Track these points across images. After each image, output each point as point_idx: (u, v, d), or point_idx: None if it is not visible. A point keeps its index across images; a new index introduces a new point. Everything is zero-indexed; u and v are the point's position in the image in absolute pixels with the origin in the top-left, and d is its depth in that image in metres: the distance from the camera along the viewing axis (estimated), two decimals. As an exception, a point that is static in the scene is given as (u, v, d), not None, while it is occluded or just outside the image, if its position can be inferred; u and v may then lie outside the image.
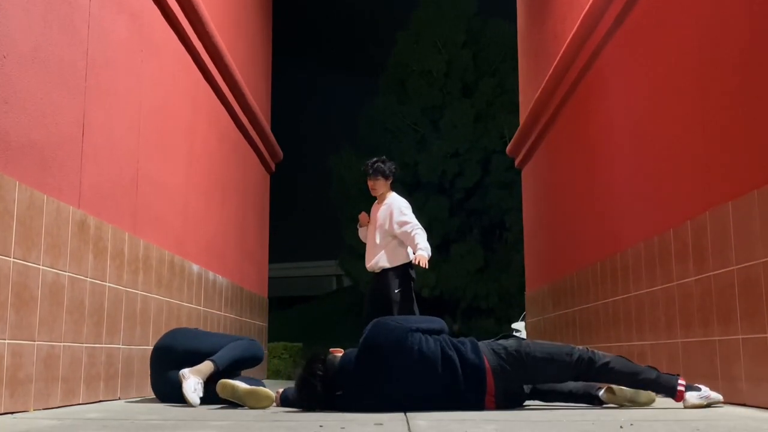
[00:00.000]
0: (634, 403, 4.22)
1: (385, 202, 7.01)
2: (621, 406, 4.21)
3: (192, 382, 4.47)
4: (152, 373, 5.07)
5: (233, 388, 4.40)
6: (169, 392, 4.83)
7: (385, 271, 6.86)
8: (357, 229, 7.34)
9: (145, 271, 5.70)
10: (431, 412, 3.82)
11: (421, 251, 6.59)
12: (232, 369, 4.78)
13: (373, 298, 7.00)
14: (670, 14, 5.52)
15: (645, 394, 4.23)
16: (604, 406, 4.25)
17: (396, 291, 6.76)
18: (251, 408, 4.32)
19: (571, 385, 4.37)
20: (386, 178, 7.00)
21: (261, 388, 4.43)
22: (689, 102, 5.13)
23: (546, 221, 9.69)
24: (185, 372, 4.54)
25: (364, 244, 7.12)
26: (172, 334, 5.25)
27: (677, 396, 4.03)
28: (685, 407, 4.01)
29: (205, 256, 7.61)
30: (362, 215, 7.25)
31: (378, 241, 6.88)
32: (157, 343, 5.18)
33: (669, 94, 5.48)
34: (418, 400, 4.02)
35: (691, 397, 4.02)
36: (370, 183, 7.09)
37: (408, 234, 6.71)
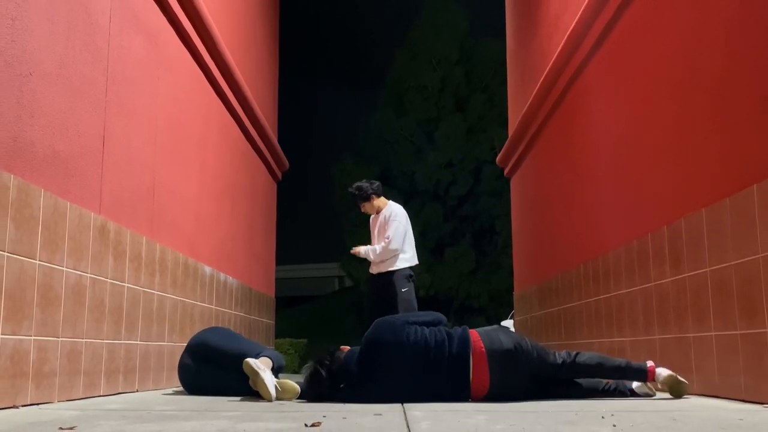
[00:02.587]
0: (673, 393, 4.20)
1: (381, 213, 7.11)
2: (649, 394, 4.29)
3: (269, 375, 4.45)
4: (187, 366, 5.02)
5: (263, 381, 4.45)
6: (202, 385, 4.89)
7: (389, 273, 6.88)
8: (353, 243, 7.54)
9: (161, 272, 5.71)
10: (427, 403, 3.82)
11: (364, 248, 6.96)
12: (275, 371, 4.81)
13: (377, 299, 6.98)
14: (648, 33, 5.54)
15: (685, 387, 4.21)
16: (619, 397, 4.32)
17: (403, 290, 6.80)
18: (278, 399, 4.35)
19: (603, 382, 4.41)
20: (369, 199, 7.09)
21: (287, 381, 4.47)
22: (666, 116, 5.14)
23: (533, 226, 9.69)
24: (257, 363, 4.47)
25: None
26: (214, 331, 5.29)
27: (649, 374, 4.09)
28: (660, 382, 4.07)
29: (217, 258, 7.62)
30: (354, 251, 7.28)
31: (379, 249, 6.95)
32: (196, 337, 5.19)
33: (648, 109, 5.49)
34: (414, 389, 4.04)
35: (662, 371, 4.10)
36: (362, 209, 7.22)
37: (382, 247, 6.86)
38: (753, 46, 3.95)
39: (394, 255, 6.86)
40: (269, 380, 4.38)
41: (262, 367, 4.45)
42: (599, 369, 4.20)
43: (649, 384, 4.35)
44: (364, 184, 7.12)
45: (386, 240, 6.86)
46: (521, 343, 4.10)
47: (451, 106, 24.94)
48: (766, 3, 3.82)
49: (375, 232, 7.17)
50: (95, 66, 4.64)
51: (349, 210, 22.90)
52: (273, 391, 4.33)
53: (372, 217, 7.26)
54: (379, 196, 7.14)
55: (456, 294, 23.87)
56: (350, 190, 7.22)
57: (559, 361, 4.19)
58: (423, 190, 23.77)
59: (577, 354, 4.23)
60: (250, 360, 4.46)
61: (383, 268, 6.92)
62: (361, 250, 6.99)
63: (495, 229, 24.13)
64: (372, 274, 7.10)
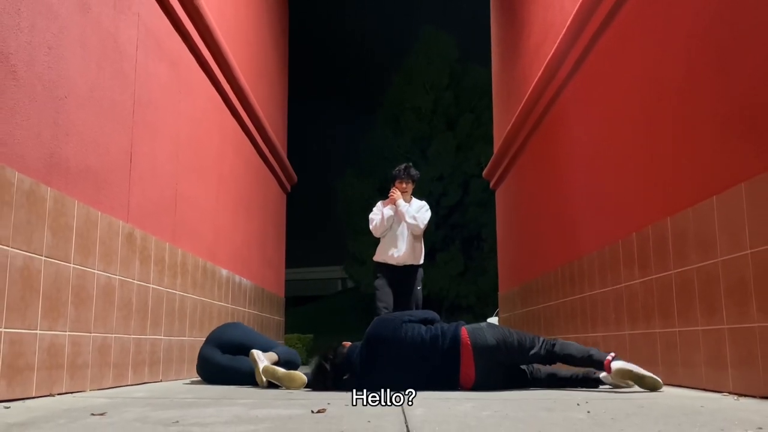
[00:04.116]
0: (640, 385, 3.93)
1: (413, 201, 6.76)
2: (623, 387, 4.01)
3: (264, 365, 4.54)
4: (204, 358, 5.04)
5: (274, 372, 4.48)
6: (219, 376, 4.93)
7: (414, 267, 6.54)
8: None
9: (182, 275, 5.71)
10: (421, 391, 3.82)
11: (405, 206, 6.49)
12: (283, 364, 4.82)
13: (400, 290, 6.47)
14: (617, 61, 5.55)
15: (650, 380, 3.94)
16: (601, 387, 4.17)
17: (419, 288, 6.52)
18: (287, 388, 4.36)
19: (572, 370, 4.36)
20: (414, 182, 6.76)
21: (295, 372, 4.50)
22: (634, 135, 5.15)
23: (516, 234, 9.70)
24: (260, 354, 4.61)
25: (374, 241, 6.70)
26: (234, 327, 5.31)
27: (605, 365, 3.99)
28: (613, 372, 3.96)
29: (233, 262, 7.62)
30: (395, 192, 6.70)
31: (410, 238, 6.52)
32: (215, 332, 5.20)
33: (619, 127, 5.50)
34: (410, 380, 4.04)
35: (617, 363, 3.96)
36: (403, 185, 6.69)
37: (415, 218, 6.46)
38: (709, 72, 3.97)
39: (419, 233, 6.50)
40: (260, 370, 4.50)
41: (262, 358, 4.57)
42: (571, 358, 4.19)
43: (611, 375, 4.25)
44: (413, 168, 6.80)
45: (418, 219, 6.48)
46: (506, 340, 4.11)
47: (442, 126, 24.99)
48: (718, 35, 3.84)
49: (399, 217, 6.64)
50: (123, 90, 4.65)
51: (350, 218, 22.92)
52: (264, 379, 4.48)
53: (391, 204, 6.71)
54: None
55: (446, 294, 23.88)
56: (408, 165, 6.79)
57: (543, 352, 4.18)
58: (417, 201, 23.82)
59: (554, 344, 4.22)
60: (255, 351, 4.61)
61: (409, 261, 6.48)
62: (402, 204, 6.52)
63: (482, 236, 24.17)
64: (391, 265, 6.51)
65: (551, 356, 4.20)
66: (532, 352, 4.18)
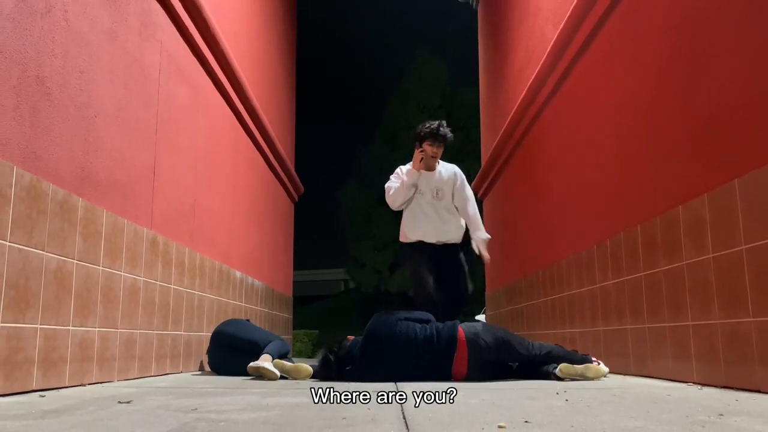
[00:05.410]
0: (584, 378, 4.01)
1: (439, 170, 5.16)
2: (573, 379, 4.02)
3: (268, 363, 4.50)
4: (212, 350, 5.15)
5: (282, 365, 4.48)
6: (221, 366, 5.02)
7: (455, 245, 5.11)
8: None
9: (200, 276, 5.71)
10: (415, 382, 3.83)
11: (484, 237, 4.89)
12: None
13: (451, 272, 5.06)
14: (593, 84, 5.58)
15: (593, 369, 4.04)
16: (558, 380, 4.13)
17: (466, 265, 5.16)
18: (294, 379, 4.36)
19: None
20: (447, 147, 5.12)
21: (302, 364, 4.51)
22: (608, 150, 5.17)
23: (501, 239, 9.70)
24: (257, 363, 4.51)
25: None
26: (230, 323, 5.32)
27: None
28: (560, 370, 4.03)
29: (246, 265, 7.62)
30: (418, 158, 4.98)
31: (449, 212, 5.02)
32: (217, 328, 5.25)
33: (594, 144, 5.52)
34: (405, 372, 4.06)
35: (564, 364, 4.05)
36: (434, 149, 4.99)
37: (476, 215, 4.96)
38: (675, 93, 3.99)
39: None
40: (269, 366, 4.45)
41: (260, 363, 4.51)
42: (552, 357, 4.20)
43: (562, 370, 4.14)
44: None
45: (468, 202, 5.00)
46: (501, 341, 4.10)
47: (435, 142, 24.99)
48: (683, 60, 3.87)
49: (431, 187, 5.06)
50: (147, 109, 4.66)
51: (351, 225, 22.89)
52: (276, 371, 4.41)
53: (422, 174, 5.10)
54: None
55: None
56: (442, 123, 5.02)
57: (533, 353, 4.17)
58: (412, 210, 23.79)
59: (540, 346, 4.22)
60: (251, 365, 4.50)
61: (452, 238, 5.00)
62: (485, 254, 5.06)
63: (470, 241, 24.12)
64: (425, 242, 4.93)
65: (540, 358, 4.19)
66: (525, 353, 4.16)
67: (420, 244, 4.90)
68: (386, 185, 5.05)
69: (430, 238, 4.84)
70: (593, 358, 4.25)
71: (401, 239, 5.04)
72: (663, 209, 4.12)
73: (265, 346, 4.83)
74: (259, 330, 5.32)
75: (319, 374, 4.33)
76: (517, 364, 4.34)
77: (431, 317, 4.43)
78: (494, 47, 10.23)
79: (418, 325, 4.20)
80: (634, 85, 4.66)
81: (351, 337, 4.37)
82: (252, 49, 8.22)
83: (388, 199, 5.02)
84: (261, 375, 4.45)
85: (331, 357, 4.20)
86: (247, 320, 5.58)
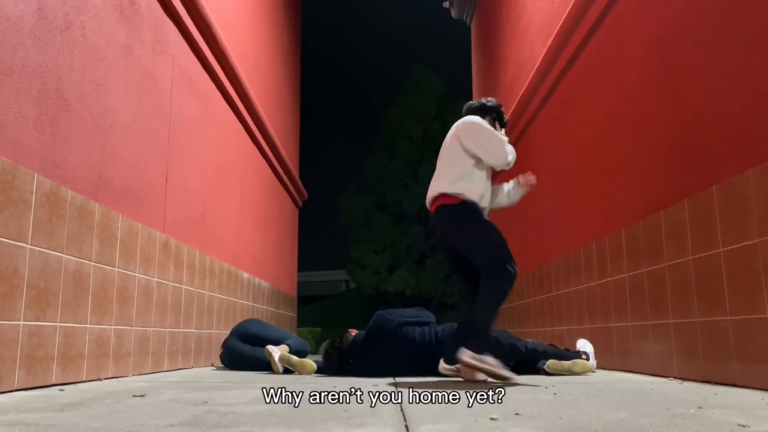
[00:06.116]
0: (571, 372, 4.01)
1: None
2: (561, 374, 4.01)
3: (278, 356, 4.56)
4: (229, 348, 5.04)
5: (289, 359, 4.50)
6: (238, 362, 4.96)
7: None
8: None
9: (210, 277, 5.71)
10: (412, 377, 3.83)
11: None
12: (294, 353, 4.83)
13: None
14: (580, 96, 5.59)
15: (580, 365, 4.03)
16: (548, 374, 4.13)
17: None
18: (299, 373, 4.37)
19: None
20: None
21: (306, 360, 4.51)
22: (594, 159, 5.18)
23: (494, 242, 9.71)
24: (273, 348, 4.62)
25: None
26: (254, 322, 5.30)
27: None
28: (547, 366, 4.05)
29: (253, 266, 7.62)
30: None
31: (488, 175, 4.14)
32: (240, 325, 5.20)
33: (581, 153, 5.53)
34: (402, 369, 4.05)
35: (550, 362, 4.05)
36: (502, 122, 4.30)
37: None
38: (658, 104, 4.00)
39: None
40: (276, 358, 4.51)
41: (275, 350, 4.58)
42: (544, 354, 4.19)
43: (553, 366, 4.14)
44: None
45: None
46: (497, 345, 4.08)
47: (431, 151, 24.94)
48: (667, 73, 3.88)
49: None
50: (160, 120, 4.67)
51: (352, 229, 22.90)
52: (280, 367, 4.49)
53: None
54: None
55: (434, 293, 23.81)
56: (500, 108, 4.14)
57: (525, 351, 4.15)
58: (410, 215, 23.74)
59: (533, 343, 4.21)
60: (269, 347, 4.61)
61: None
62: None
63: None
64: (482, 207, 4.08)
65: (532, 354, 4.18)
66: (519, 351, 4.15)
67: (481, 210, 4.09)
68: (496, 136, 3.93)
69: (485, 204, 4.08)
70: (583, 355, 4.24)
71: (467, 196, 4.01)
72: (646, 214, 4.13)
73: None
74: (282, 330, 5.34)
75: (323, 368, 4.33)
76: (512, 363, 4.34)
77: (431, 318, 4.41)
78: (487, 61, 10.25)
79: (418, 329, 4.18)
80: (618, 97, 4.68)
81: (353, 331, 4.36)
82: (259, 64, 8.23)
83: (506, 153, 4.00)
84: (268, 362, 4.56)
85: (333, 351, 4.21)
86: (263, 321, 5.59)
